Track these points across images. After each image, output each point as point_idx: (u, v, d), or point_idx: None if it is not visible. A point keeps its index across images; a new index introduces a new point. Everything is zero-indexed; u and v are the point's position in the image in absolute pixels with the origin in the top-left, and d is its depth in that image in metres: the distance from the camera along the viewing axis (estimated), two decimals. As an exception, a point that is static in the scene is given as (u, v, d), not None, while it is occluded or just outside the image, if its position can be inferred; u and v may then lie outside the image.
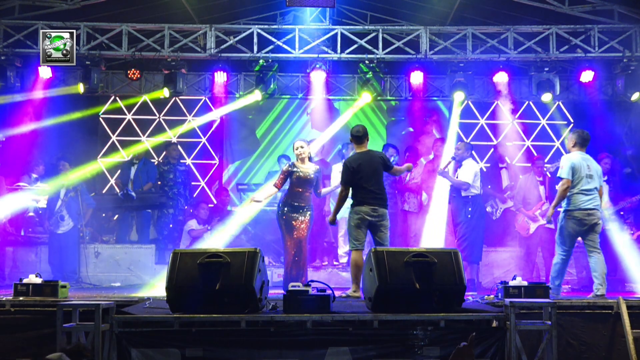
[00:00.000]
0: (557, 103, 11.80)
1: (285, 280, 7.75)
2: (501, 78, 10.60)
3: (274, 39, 10.40)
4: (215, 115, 12.14)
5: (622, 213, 9.21)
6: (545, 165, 10.15)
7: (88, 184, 10.32)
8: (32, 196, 9.78)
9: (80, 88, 10.40)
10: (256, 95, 10.94)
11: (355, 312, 5.92)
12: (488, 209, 10.13)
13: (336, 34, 10.42)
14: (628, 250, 8.42)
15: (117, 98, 12.01)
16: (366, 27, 10.79)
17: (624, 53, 10.08)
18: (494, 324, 5.88)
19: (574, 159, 7.28)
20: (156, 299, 6.69)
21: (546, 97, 10.53)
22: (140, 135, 12.34)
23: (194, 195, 11.65)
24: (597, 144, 9.63)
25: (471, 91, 10.87)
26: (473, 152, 9.35)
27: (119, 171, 11.77)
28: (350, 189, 7.24)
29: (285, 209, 7.86)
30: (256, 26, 10.49)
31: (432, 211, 9.62)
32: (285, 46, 10.38)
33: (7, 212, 9.54)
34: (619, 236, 8.56)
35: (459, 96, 10.66)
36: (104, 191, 11.68)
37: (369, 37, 10.43)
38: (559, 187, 7.28)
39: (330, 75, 11.05)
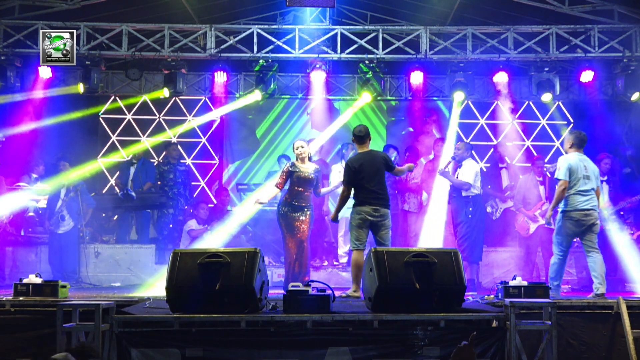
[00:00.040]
0: (557, 103, 11.80)
1: (286, 280, 7.74)
2: (501, 78, 10.61)
3: (274, 39, 10.40)
4: (215, 115, 12.14)
5: (622, 213, 9.21)
6: (545, 165, 10.13)
7: (88, 183, 10.30)
8: (32, 196, 9.78)
9: (80, 88, 10.41)
10: (256, 95, 10.94)
11: (355, 312, 5.92)
12: (488, 209, 10.13)
13: (336, 34, 10.42)
14: (628, 250, 8.43)
15: (117, 98, 12.01)
16: (366, 27, 10.79)
17: (624, 53, 10.09)
18: (494, 324, 5.88)
19: (571, 160, 7.30)
20: (156, 299, 6.68)
21: (546, 97, 10.53)
22: (140, 135, 12.33)
23: (194, 195, 11.64)
24: (597, 144, 9.66)
25: (471, 91, 10.87)
26: (473, 152, 9.36)
27: (118, 172, 11.77)
28: (352, 189, 7.24)
29: (286, 208, 7.86)
30: (256, 26, 10.49)
31: (432, 211, 9.62)
32: (285, 46, 10.38)
33: (7, 212, 9.53)
34: (619, 236, 8.57)
35: (459, 96, 10.66)
36: (104, 191, 11.67)
37: (369, 37, 10.44)
38: (556, 188, 7.31)
39: (330, 75, 11.06)
